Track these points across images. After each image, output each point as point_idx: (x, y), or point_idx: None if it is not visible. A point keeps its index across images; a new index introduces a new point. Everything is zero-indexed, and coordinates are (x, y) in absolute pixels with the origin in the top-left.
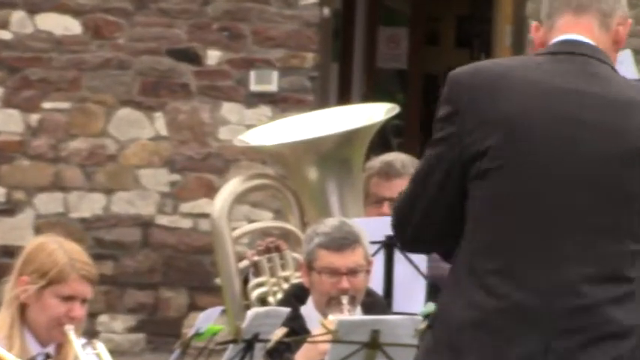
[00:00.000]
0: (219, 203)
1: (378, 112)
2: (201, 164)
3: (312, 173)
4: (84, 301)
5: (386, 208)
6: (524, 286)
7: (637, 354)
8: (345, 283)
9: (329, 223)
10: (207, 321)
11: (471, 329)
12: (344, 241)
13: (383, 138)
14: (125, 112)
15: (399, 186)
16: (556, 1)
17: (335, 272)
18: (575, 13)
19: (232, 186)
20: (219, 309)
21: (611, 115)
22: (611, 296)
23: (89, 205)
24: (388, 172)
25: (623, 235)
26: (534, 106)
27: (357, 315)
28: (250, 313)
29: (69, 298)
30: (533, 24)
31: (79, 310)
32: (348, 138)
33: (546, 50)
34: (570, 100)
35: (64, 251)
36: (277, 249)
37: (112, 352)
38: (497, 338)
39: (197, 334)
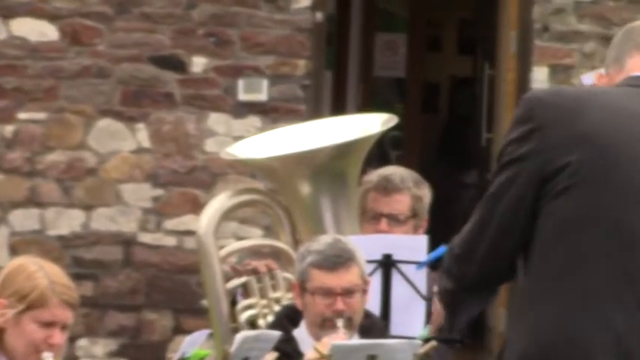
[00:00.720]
0: (205, 220)
1: (374, 123)
2: (187, 178)
3: (305, 188)
4: (64, 327)
5: (383, 224)
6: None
7: None
8: (339, 304)
9: (322, 241)
10: (193, 345)
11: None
12: (338, 259)
13: (381, 150)
14: (105, 123)
15: (397, 201)
16: (626, 44)
17: (329, 293)
18: None
19: (219, 202)
20: (205, 332)
21: None
22: None
23: (67, 221)
24: (386, 187)
25: None
26: (617, 127)
27: (355, 339)
28: (239, 336)
29: (49, 324)
30: (597, 73)
31: (59, 337)
32: (342, 150)
33: (622, 83)
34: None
35: (45, 274)
36: (268, 270)
37: None
38: None
39: (182, 359)
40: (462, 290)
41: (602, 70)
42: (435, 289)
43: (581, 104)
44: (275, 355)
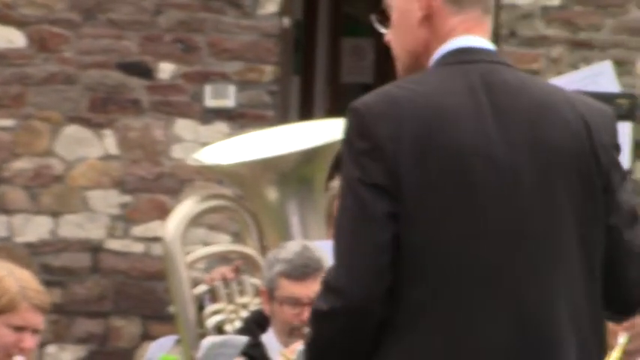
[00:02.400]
0: (171, 226)
1: (341, 128)
2: (154, 185)
3: (272, 193)
4: (35, 331)
5: None
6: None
7: None
8: (307, 314)
9: (290, 249)
10: (161, 351)
11: None
12: (306, 269)
13: None
14: (72, 130)
15: None
16: None
17: (297, 303)
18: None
19: (186, 207)
20: (172, 338)
21: (533, 128)
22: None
23: (35, 228)
24: None
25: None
26: (466, 134)
27: None
28: (206, 342)
29: (20, 328)
30: None
31: (30, 341)
32: (309, 156)
33: (445, 61)
34: (494, 123)
35: (15, 279)
36: (235, 277)
37: None
38: None
39: None
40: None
41: None
42: None
43: (422, 113)
44: None
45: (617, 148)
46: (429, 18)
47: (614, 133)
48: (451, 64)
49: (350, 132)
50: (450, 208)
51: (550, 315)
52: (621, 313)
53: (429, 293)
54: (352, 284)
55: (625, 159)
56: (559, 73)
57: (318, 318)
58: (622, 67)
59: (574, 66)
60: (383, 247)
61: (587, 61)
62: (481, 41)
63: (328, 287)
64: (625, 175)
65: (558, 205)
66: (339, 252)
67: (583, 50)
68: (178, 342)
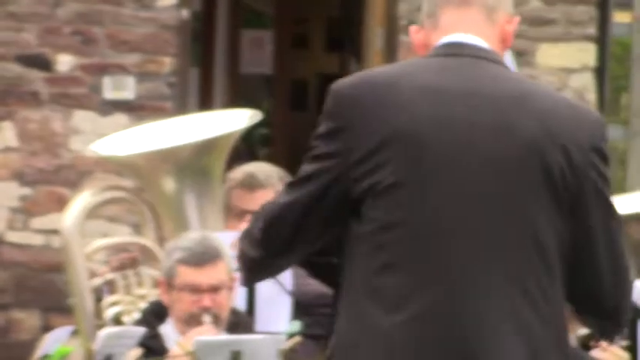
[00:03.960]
0: (69, 218)
1: (239, 119)
2: (53, 177)
3: (169, 185)
4: None
5: (248, 221)
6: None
7: None
8: (206, 300)
9: (189, 238)
10: (56, 342)
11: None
12: (205, 256)
13: (249, 148)
14: None
15: (262, 198)
16: None
17: (196, 289)
18: (459, 8)
19: (83, 199)
20: (69, 329)
21: (501, 113)
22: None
23: None
24: (251, 184)
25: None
26: (424, 115)
27: (222, 335)
28: (102, 333)
29: None
30: (413, 27)
31: None
32: (206, 147)
33: (432, 54)
34: (460, 103)
35: None
36: (133, 265)
37: None
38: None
39: (45, 357)
40: (266, 259)
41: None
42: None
43: (385, 94)
44: (139, 351)
45: (597, 151)
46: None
47: (596, 137)
48: (440, 55)
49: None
50: (402, 184)
51: (480, 310)
52: (605, 329)
53: (382, 263)
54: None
55: None
56: None
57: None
58: (522, 57)
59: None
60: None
61: None
62: (472, 38)
63: None
64: (607, 179)
65: (511, 193)
66: None
67: None
68: (74, 333)
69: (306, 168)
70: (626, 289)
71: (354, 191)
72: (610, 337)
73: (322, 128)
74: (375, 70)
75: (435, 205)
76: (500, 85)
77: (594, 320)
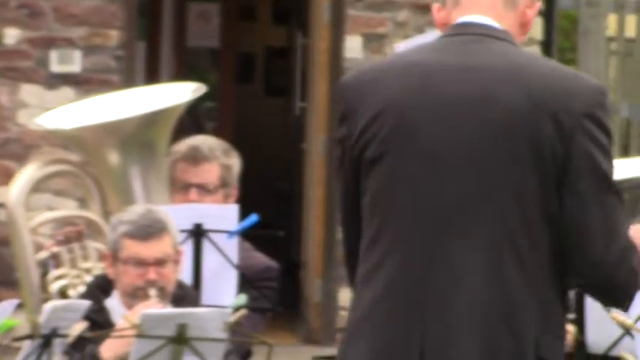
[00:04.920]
0: (14, 191)
1: (183, 92)
2: (0, 150)
3: (114, 158)
4: None
5: (193, 194)
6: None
7: None
8: (152, 274)
9: (134, 211)
10: (2, 315)
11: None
12: (150, 229)
13: (196, 122)
14: None
15: (206, 171)
16: None
17: (141, 263)
18: None
19: (28, 173)
20: (14, 302)
21: (487, 85)
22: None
23: None
24: (195, 157)
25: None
26: (410, 88)
27: (167, 308)
28: (48, 306)
29: None
30: (435, 5)
31: None
32: (151, 120)
33: (444, 34)
34: (449, 77)
35: None
36: (78, 238)
37: None
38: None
39: None
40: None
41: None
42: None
43: (383, 74)
44: (84, 324)
45: (591, 118)
46: None
47: (590, 103)
48: (448, 35)
49: None
50: (388, 157)
51: (456, 276)
52: (603, 297)
53: (370, 237)
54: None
55: None
56: (405, 36)
57: None
58: None
59: (420, 29)
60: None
61: (433, 25)
62: (485, 19)
63: None
64: (603, 147)
65: (494, 164)
66: None
67: (428, 14)
68: (20, 306)
69: (336, 157)
70: (623, 259)
71: (360, 168)
72: (622, 308)
73: (338, 115)
74: (377, 61)
75: (418, 177)
76: (493, 59)
77: (595, 293)
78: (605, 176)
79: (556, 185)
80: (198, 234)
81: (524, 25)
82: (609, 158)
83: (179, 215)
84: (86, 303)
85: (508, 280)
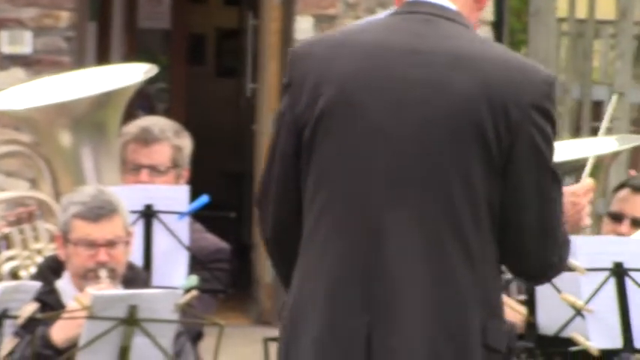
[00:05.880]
0: None
1: (134, 74)
2: None
3: (65, 139)
4: None
5: (144, 175)
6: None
7: None
8: (102, 255)
9: (85, 192)
10: None
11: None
12: (101, 210)
13: (148, 103)
14: None
15: (157, 152)
16: None
17: (92, 244)
18: None
19: None
20: None
21: (437, 70)
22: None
23: None
24: (146, 138)
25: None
26: (362, 68)
27: (118, 290)
28: None
29: None
30: None
31: None
32: (102, 101)
33: (396, 11)
34: (399, 59)
35: None
36: (29, 219)
37: None
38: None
39: None
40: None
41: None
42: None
43: (334, 50)
44: (35, 305)
45: (538, 109)
46: None
47: (539, 95)
48: (398, 13)
49: None
50: (335, 134)
51: (385, 244)
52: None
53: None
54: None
55: None
56: (356, 17)
57: None
58: None
59: (371, 11)
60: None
61: (384, 6)
62: None
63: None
64: (548, 138)
65: (439, 148)
66: None
67: None
68: None
69: (273, 131)
70: (556, 250)
71: (302, 143)
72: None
73: (283, 82)
74: (339, 29)
75: (361, 159)
76: (446, 43)
77: (524, 279)
78: (548, 168)
79: (500, 173)
80: (148, 215)
81: (479, 1)
82: (552, 148)
83: (129, 196)
84: (37, 284)
85: (452, 267)
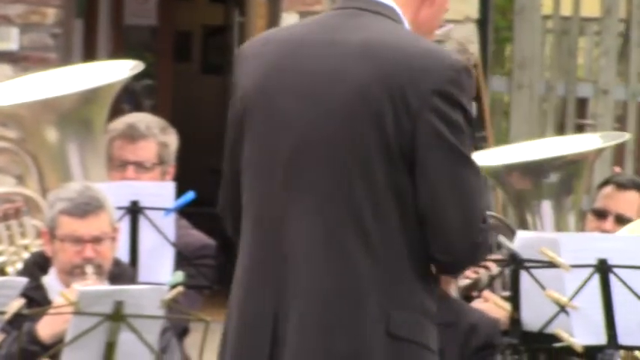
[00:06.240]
0: None
1: (121, 70)
2: None
3: (52, 135)
4: None
5: (130, 171)
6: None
7: None
8: (89, 251)
9: (72, 188)
10: None
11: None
12: (87, 206)
13: (135, 99)
14: None
15: (143, 148)
16: None
17: (78, 240)
18: None
19: None
20: None
21: (340, 61)
22: None
23: None
24: (132, 135)
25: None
26: (277, 64)
27: (105, 286)
28: None
29: None
30: None
31: None
32: (87, 97)
33: (333, 6)
34: (313, 51)
35: None
36: (16, 215)
37: None
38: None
39: None
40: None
41: None
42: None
43: (261, 49)
44: (22, 301)
45: (441, 95)
46: None
47: (441, 81)
48: (335, 8)
49: None
50: (253, 131)
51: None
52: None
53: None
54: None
55: None
56: None
57: None
58: None
59: None
60: None
61: None
62: None
63: None
64: (454, 123)
65: (335, 132)
66: None
67: None
68: None
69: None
70: (476, 232)
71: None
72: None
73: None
74: (284, 27)
75: (269, 154)
76: (357, 35)
77: (445, 265)
78: (454, 150)
79: (405, 162)
80: (134, 211)
81: (424, 1)
82: (462, 133)
83: (116, 192)
84: (23, 280)
85: (349, 254)
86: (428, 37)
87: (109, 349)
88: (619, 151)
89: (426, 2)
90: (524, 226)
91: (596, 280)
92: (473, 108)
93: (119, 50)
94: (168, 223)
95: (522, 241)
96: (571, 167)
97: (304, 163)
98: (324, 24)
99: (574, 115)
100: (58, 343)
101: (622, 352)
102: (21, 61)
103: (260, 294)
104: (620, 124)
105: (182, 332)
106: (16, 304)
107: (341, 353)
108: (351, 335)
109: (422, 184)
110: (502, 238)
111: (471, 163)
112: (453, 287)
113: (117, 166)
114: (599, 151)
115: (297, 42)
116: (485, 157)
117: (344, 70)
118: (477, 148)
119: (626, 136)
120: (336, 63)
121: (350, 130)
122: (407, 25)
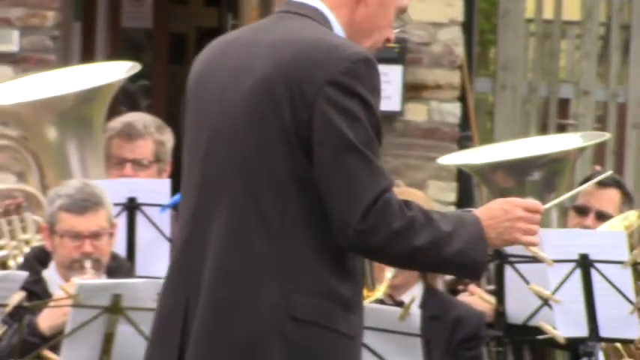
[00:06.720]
0: None
1: (118, 71)
2: None
3: (52, 133)
4: None
5: (128, 169)
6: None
7: None
8: (87, 246)
9: (71, 185)
10: None
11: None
12: (86, 203)
13: (131, 99)
14: None
15: (140, 147)
16: None
17: (77, 236)
18: None
19: None
20: None
21: (248, 58)
22: None
23: None
24: (130, 133)
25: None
26: (207, 65)
27: (103, 279)
28: None
29: None
30: None
31: None
32: (87, 97)
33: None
34: (234, 51)
35: None
36: (17, 211)
37: None
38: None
39: None
40: None
41: None
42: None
43: (206, 50)
44: (22, 294)
45: (336, 85)
46: None
47: (336, 71)
48: (274, 12)
49: None
50: (187, 130)
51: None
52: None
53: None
54: None
55: (396, 101)
56: None
57: None
58: None
59: None
60: None
61: None
62: None
63: None
64: (347, 112)
65: (245, 128)
66: None
67: None
68: None
69: None
70: (355, 214)
71: None
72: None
73: None
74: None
75: (192, 152)
76: (271, 35)
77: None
78: (345, 139)
79: (304, 150)
80: (131, 207)
81: (359, 2)
82: (357, 121)
83: (113, 189)
84: (24, 274)
85: (247, 240)
86: (372, 37)
87: (107, 340)
88: (599, 150)
89: (361, 3)
90: None
91: (577, 274)
92: (380, 98)
93: (116, 52)
94: (165, 219)
95: None
96: (553, 165)
97: (214, 152)
98: (258, 26)
99: (556, 116)
100: (58, 334)
101: (603, 344)
102: (21, 62)
103: (175, 282)
104: (601, 124)
105: None
106: (17, 297)
107: (237, 338)
108: (249, 318)
109: (318, 172)
110: None
111: (357, 150)
112: (440, 281)
113: (115, 163)
114: (580, 150)
115: (230, 41)
116: (470, 156)
117: (251, 67)
118: (463, 147)
119: (606, 136)
120: (247, 61)
121: (251, 119)
122: (337, 24)
